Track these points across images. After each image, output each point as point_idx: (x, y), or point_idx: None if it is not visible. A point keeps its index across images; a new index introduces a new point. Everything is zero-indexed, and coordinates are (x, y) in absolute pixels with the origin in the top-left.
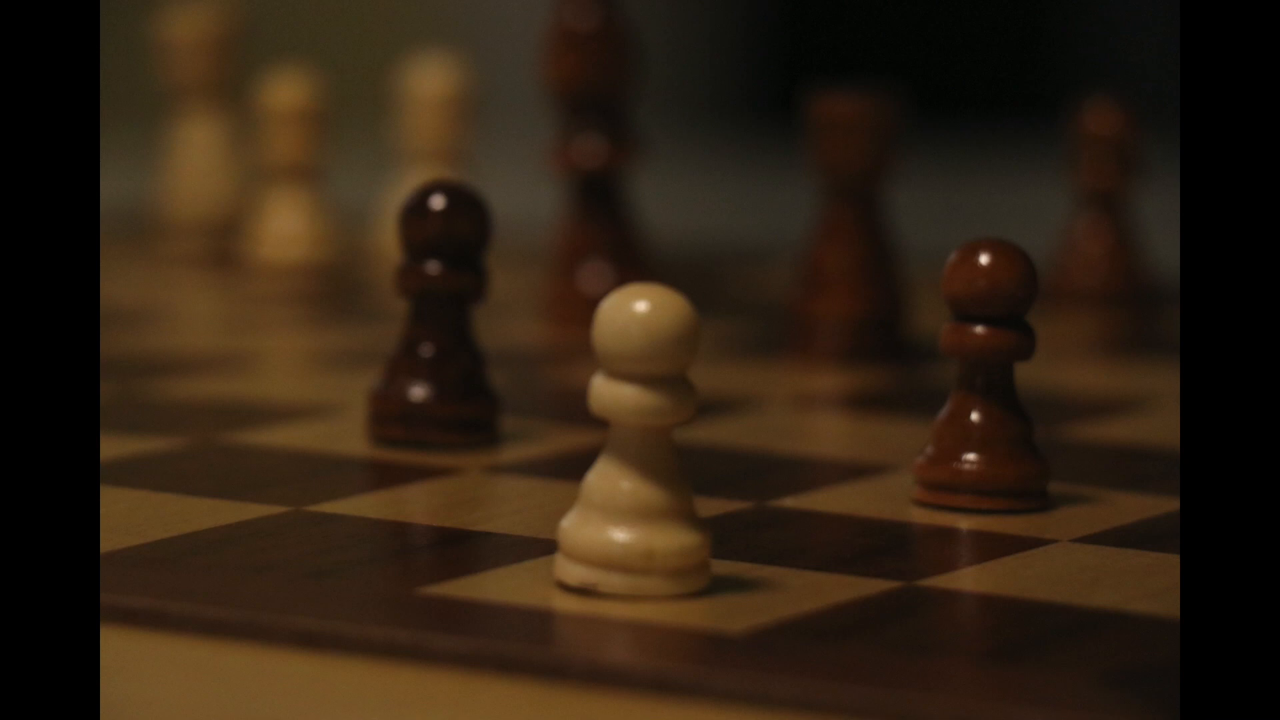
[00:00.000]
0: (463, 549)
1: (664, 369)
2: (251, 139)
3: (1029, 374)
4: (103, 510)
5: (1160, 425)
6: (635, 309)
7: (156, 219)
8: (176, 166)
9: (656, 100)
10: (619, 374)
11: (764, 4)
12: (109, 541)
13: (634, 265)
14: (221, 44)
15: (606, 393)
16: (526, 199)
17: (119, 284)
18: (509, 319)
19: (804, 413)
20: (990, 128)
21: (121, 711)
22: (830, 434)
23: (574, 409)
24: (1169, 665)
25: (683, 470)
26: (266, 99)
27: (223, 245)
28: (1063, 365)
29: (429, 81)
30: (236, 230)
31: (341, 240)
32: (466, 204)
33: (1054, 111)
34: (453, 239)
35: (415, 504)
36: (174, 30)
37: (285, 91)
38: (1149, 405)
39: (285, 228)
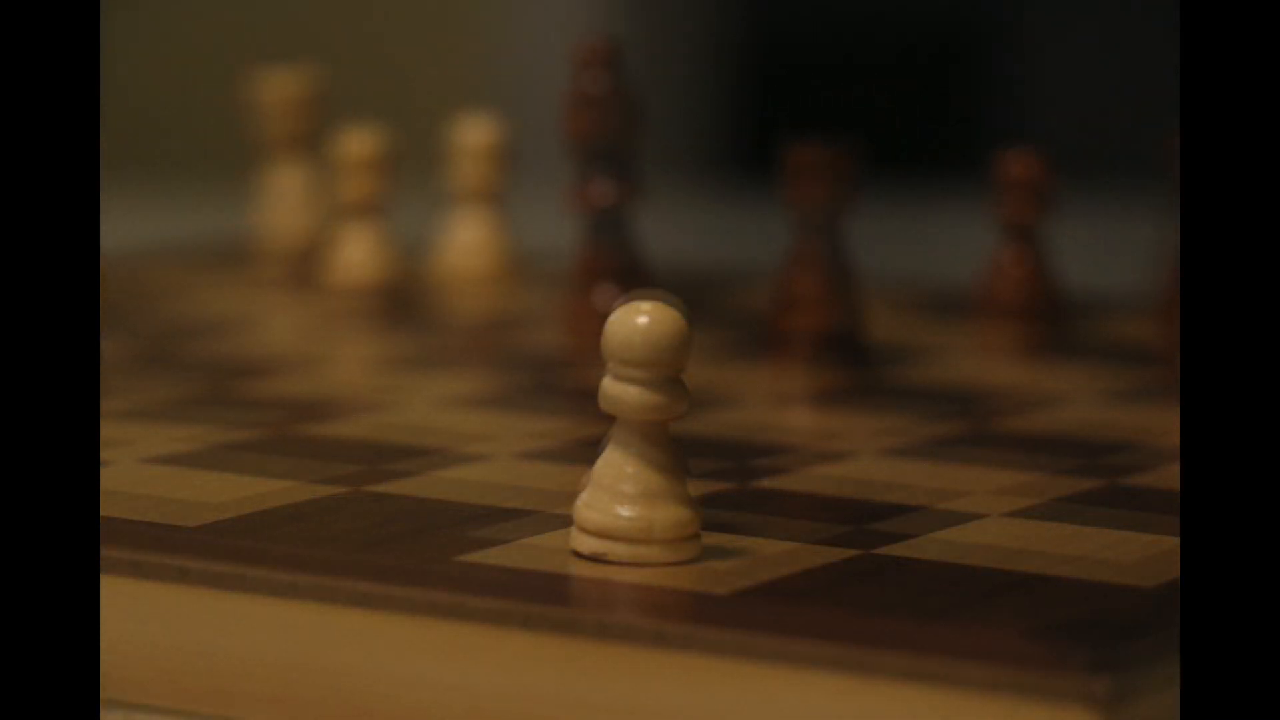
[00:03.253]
0: (494, 522)
1: (661, 372)
2: (328, 183)
3: (963, 374)
4: (195, 489)
5: (1073, 416)
6: (637, 321)
7: (251, 248)
8: (267, 206)
9: (660, 152)
10: (623, 376)
11: (746, 77)
12: (201, 516)
13: (638, 285)
14: (304, 104)
15: (613, 391)
16: (551, 231)
17: (217, 300)
18: (535, 330)
19: (779, 408)
20: (928, 174)
21: (209, 655)
22: (801, 426)
23: (587, 405)
24: (1085, 620)
25: (677, 456)
26: (341, 149)
27: (304, 270)
28: (990, 367)
29: (473, 135)
30: (316, 257)
31: (402, 266)
32: None
33: (979, 161)
34: None
35: (455, 484)
36: (264, 92)
37: (356, 143)
38: (1063, 400)
39: (356, 255)
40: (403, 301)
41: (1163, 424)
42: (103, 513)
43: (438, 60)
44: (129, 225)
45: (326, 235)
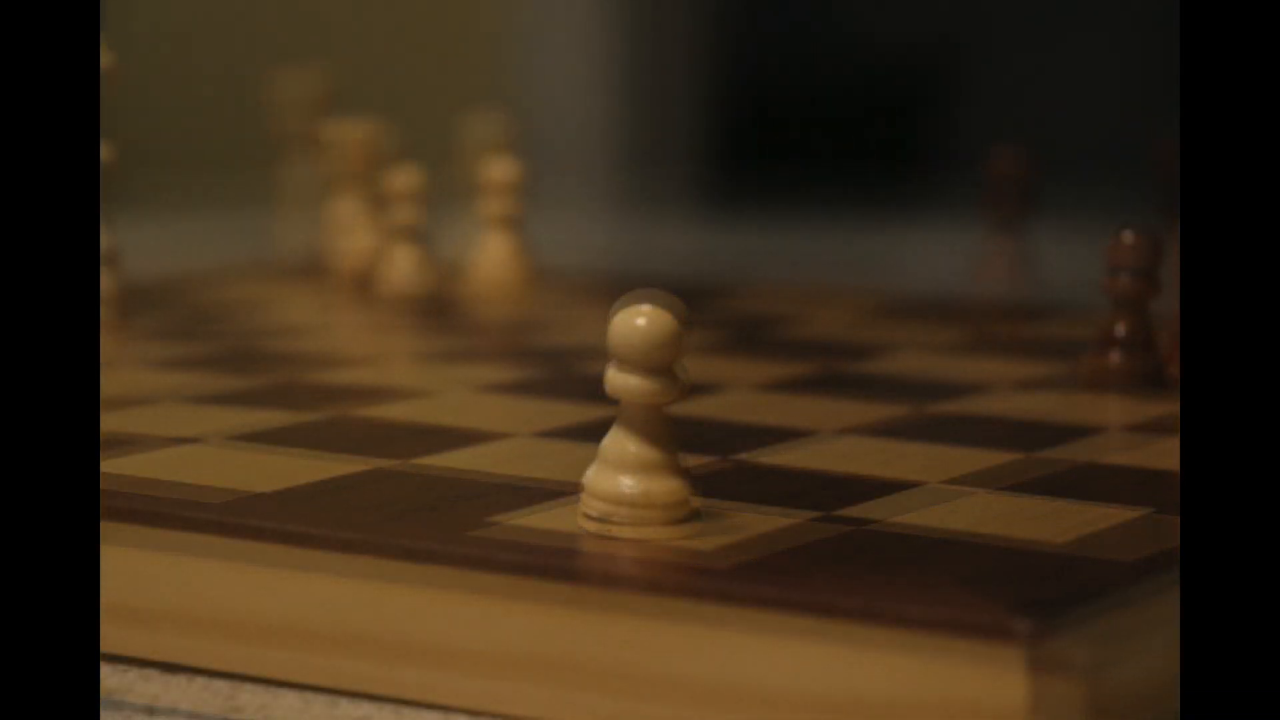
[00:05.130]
0: (516, 491)
1: (659, 361)
2: (382, 209)
3: (918, 366)
4: (265, 463)
5: (1014, 402)
6: (638, 319)
7: (319, 265)
8: (332, 230)
9: (657, 169)
10: (626, 365)
11: (739, 99)
12: (271, 484)
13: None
14: (368, 143)
15: (617, 379)
16: (562, 250)
17: (289, 308)
18: (552, 330)
19: (763, 393)
20: (902, 185)
21: (278, 599)
22: (783, 409)
23: (595, 390)
24: (1011, 569)
25: (673, 435)
26: (390, 184)
27: (362, 283)
28: (942, 360)
29: (499, 171)
30: (371, 273)
31: (441, 279)
32: None
33: (966, 165)
34: None
35: (486, 459)
36: (331, 133)
37: (403, 178)
38: (1005, 387)
39: (403, 271)
40: (442, 308)
41: (1090, 407)
42: (188, 481)
43: (467, 94)
44: (216, 245)
45: (381, 252)
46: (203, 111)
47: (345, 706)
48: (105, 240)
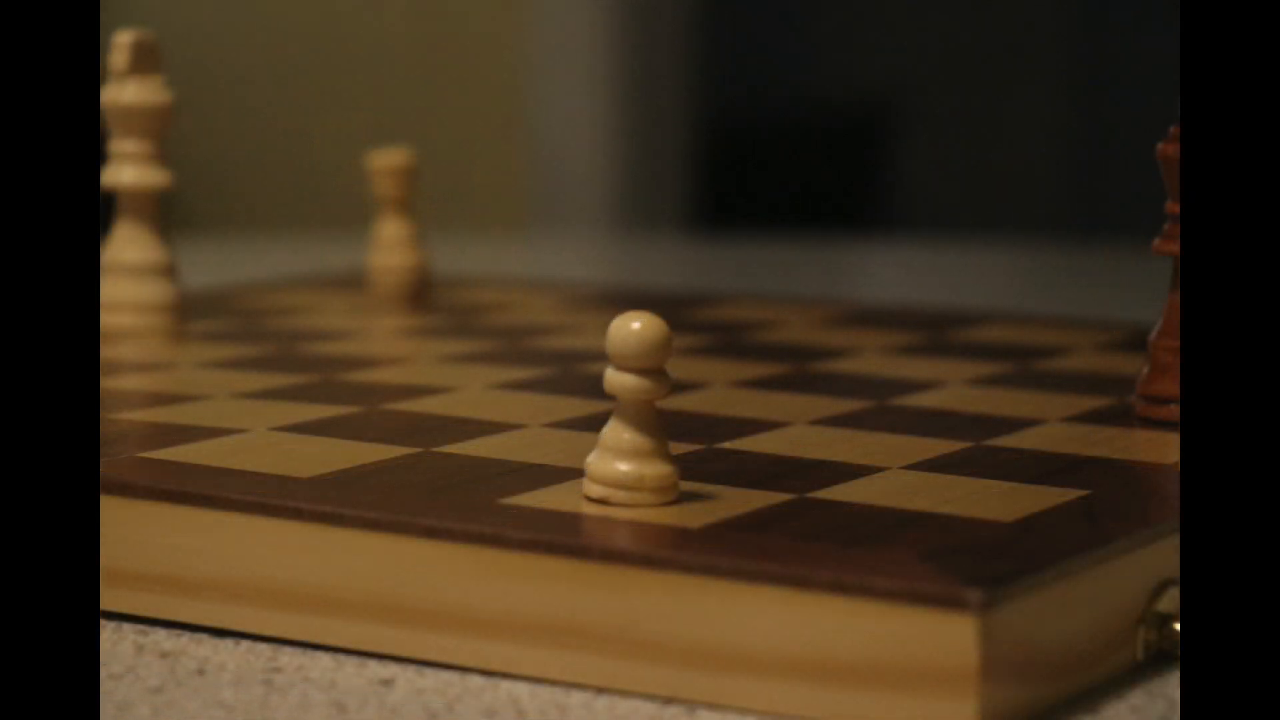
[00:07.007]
0: (528, 474)
1: (650, 364)
2: (419, 232)
3: (871, 367)
4: (302, 451)
5: (951, 396)
6: (632, 326)
7: (361, 279)
8: (375, 249)
9: (648, 204)
10: (622, 367)
11: (712, 145)
12: (311, 470)
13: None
14: (404, 174)
15: (614, 379)
16: (567, 265)
17: (336, 318)
18: (558, 336)
19: (742, 390)
20: (850, 220)
21: (315, 573)
22: (760, 403)
23: (595, 388)
24: (964, 546)
25: (662, 426)
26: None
27: (395, 293)
28: (892, 361)
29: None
30: (406, 287)
31: (461, 292)
32: None
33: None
34: None
35: (499, 446)
36: (376, 164)
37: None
38: (945, 384)
39: (423, 282)
40: (460, 315)
41: (1020, 401)
42: (236, 467)
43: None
44: (276, 261)
45: (414, 271)
46: (314, 177)
47: (374, 667)
48: (165, 256)
